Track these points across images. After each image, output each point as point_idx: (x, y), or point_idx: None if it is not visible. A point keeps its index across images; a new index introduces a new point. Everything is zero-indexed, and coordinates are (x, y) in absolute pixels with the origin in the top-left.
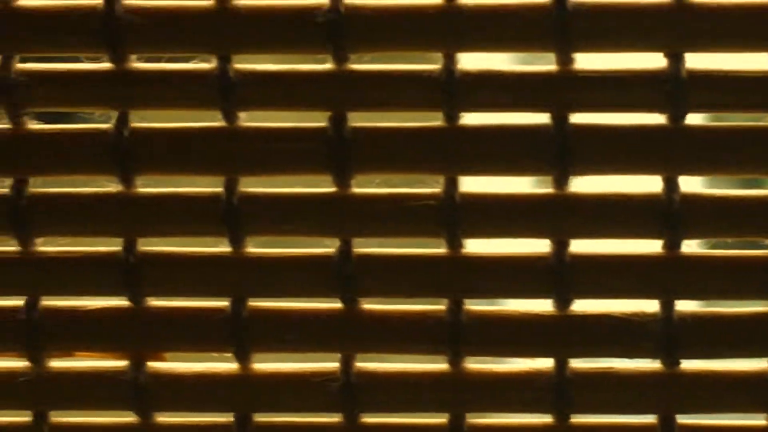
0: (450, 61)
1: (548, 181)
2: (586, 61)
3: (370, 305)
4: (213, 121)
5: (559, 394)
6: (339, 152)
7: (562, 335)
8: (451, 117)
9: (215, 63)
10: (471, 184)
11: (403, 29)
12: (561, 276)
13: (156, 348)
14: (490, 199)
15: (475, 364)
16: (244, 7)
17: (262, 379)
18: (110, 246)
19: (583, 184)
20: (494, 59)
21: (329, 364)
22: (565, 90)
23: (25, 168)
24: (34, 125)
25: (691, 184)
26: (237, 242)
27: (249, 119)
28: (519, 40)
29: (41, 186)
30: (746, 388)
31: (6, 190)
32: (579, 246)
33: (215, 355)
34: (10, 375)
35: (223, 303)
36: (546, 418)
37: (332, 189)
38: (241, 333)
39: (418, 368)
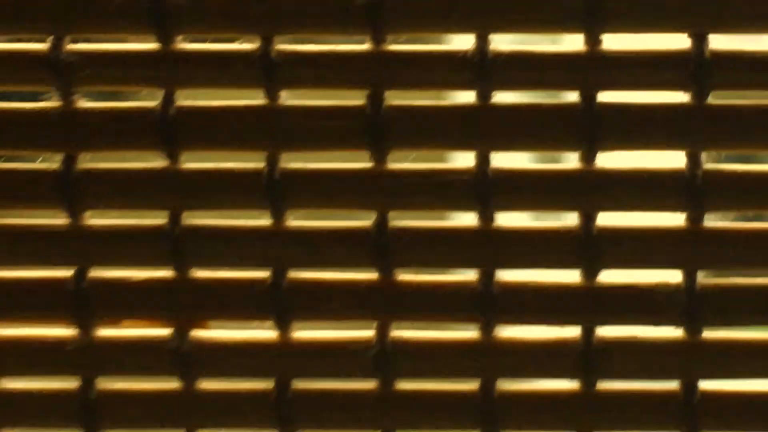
0: (483, 41)
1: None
2: (613, 41)
3: (405, 276)
4: (256, 99)
5: (585, 361)
6: (376, 129)
7: (589, 305)
8: (484, 96)
9: (258, 44)
10: (502, 160)
11: (437, 12)
12: (588, 248)
13: (200, 317)
14: (521, 174)
15: (505, 332)
16: None
17: (301, 346)
18: (156, 219)
19: (610, 160)
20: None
21: (365, 332)
22: (593, 70)
23: (75, 144)
24: (84, 103)
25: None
26: (278, 215)
27: (290, 97)
28: (549, 22)
29: (90, 161)
30: (765, 355)
31: (57, 166)
32: (606, 219)
33: (256, 323)
34: (60, 343)
35: (264, 274)
36: (573, 384)
37: (369, 164)
38: (281, 302)
39: (451, 336)
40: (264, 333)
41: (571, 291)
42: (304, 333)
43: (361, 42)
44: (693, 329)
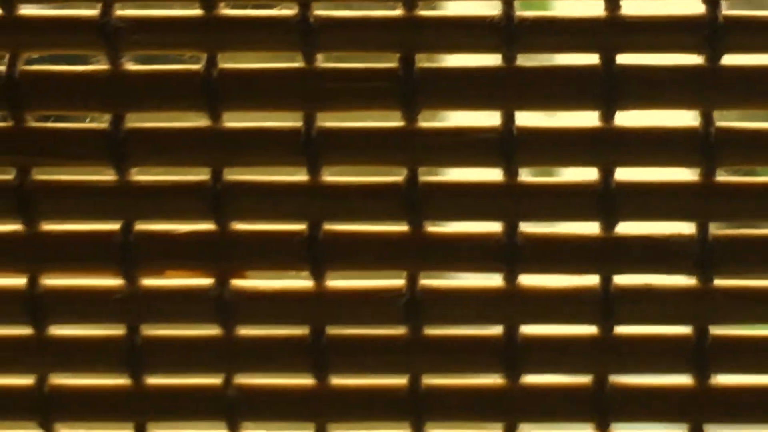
0: (509, 7)
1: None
2: (631, 7)
3: (434, 228)
4: (293, 62)
5: (604, 307)
6: (407, 90)
7: (607, 255)
8: (509, 59)
9: (296, 9)
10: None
11: None
12: (607, 201)
13: (239, 267)
14: (544, 132)
15: (528, 281)
16: None
17: (335, 295)
18: (199, 175)
19: (628, 119)
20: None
21: (396, 281)
22: (612, 33)
23: (122, 105)
24: (131, 66)
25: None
26: (314, 171)
27: (326, 60)
28: None
29: (136, 121)
30: None
31: (105, 125)
32: (623, 174)
33: (293, 273)
34: (107, 292)
35: (300, 226)
36: (591, 329)
37: (400, 123)
38: (316, 253)
39: (477, 285)
40: (300, 282)
41: (590, 242)
42: (338, 282)
43: (393, 8)
44: (705, 277)
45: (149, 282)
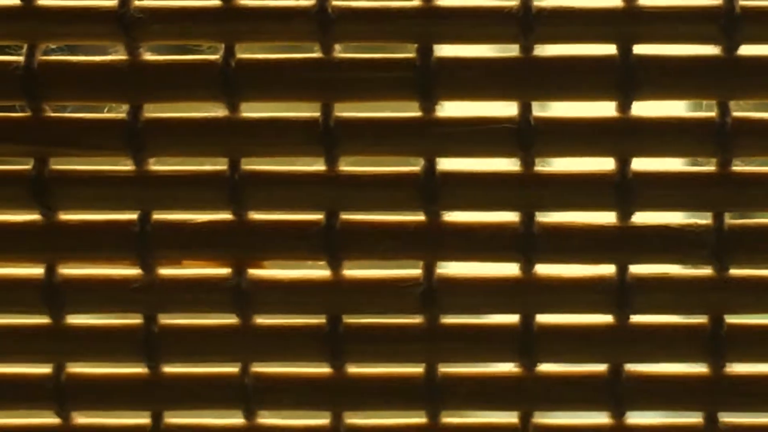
0: None
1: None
2: None
3: (451, 217)
4: (311, 53)
5: (620, 296)
6: (425, 81)
7: (624, 244)
8: (527, 49)
9: (314, 0)
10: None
11: None
12: (624, 191)
13: (256, 257)
14: (561, 122)
15: (544, 270)
16: None
17: (352, 284)
18: (216, 165)
19: (644, 109)
20: None
21: (413, 271)
22: (629, 24)
23: (140, 95)
24: (149, 57)
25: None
26: (332, 161)
27: (344, 51)
28: None
29: (154, 112)
30: None
31: (123, 115)
32: (640, 164)
33: (310, 263)
34: (124, 282)
35: (318, 216)
36: (607, 319)
37: (418, 113)
38: (333, 243)
39: (493, 274)
40: (317, 272)
41: (606, 231)
42: (355, 272)
43: None
44: (721, 267)
45: (166, 271)
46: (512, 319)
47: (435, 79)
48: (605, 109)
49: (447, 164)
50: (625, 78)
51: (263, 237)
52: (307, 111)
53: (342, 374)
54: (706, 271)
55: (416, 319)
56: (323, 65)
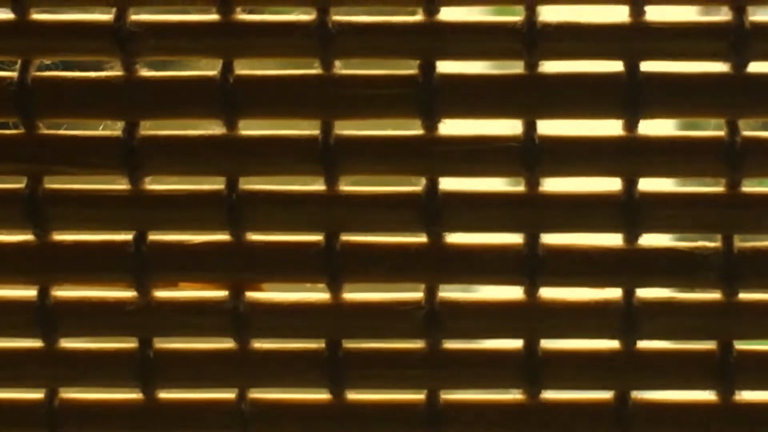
0: (532, 13)
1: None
2: (656, 13)
3: (453, 239)
4: (311, 69)
5: (626, 321)
6: (427, 97)
7: (630, 267)
8: (532, 65)
9: (315, 14)
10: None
11: None
12: (631, 212)
13: (255, 279)
14: (567, 141)
15: (549, 294)
16: None
17: (352, 307)
18: (214, 185)
19: (651, 127)
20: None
21: (414, 293)
22: (636, 40)
23: (137, 112)
24: (146, 73)
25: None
26: (332, 181)
27: (344, 67)
28: None
29: (150, 129)
30: None
31: (119, 133)
32: (647, 184)
33: (309, 285)
34: (119, 304)
35: (317, 237)
36: (614, 344)
37: (420, 132)
38: (333, 265)
39: (497, 297)
40: (316, 295)
41: (613, 254)
42: (355, 295)
43: (413, 14)
44: (730, 291)
45: (162, 294)
46: (516, 344)
47: (437, 97)
48: (612, 127)
49: (449, 184)
50: (632, 95)
51: (261, 258)
52: (306, 129)
53: (341, 400)
54: (714, 295)
55: (418, 344)
56: (323, 82)
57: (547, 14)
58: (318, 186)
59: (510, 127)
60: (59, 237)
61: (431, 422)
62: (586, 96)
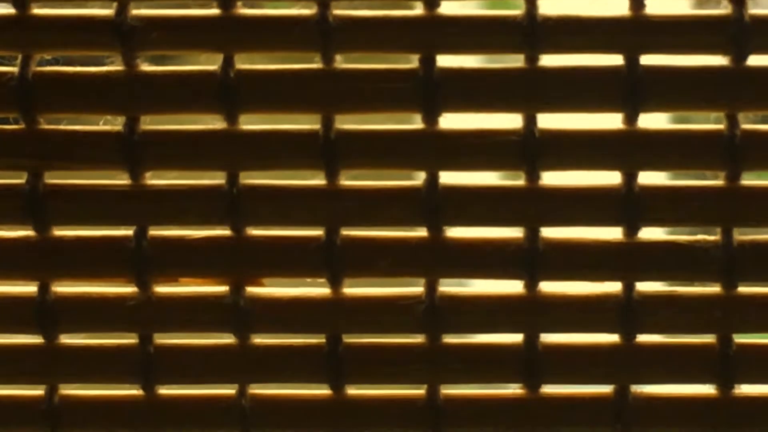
0: (532, 6)
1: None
2: (655, 7)
3: (453, 233)
4: (312, 63)
5: (626, 315)
6: (427, 92)
7: (630, 260)
8: (532, 59)
9: (315, 9)
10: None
11: None
12: (630, 205)
13: (255, 274)
14: (567, 134)
15: (549, 288)
16: None
17: (353, 302)
18: (215, 179)
19: (651, 121)
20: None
21: (415, 288)
22: (636, 33)
23: (137, 107)
24: (147, 67)
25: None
26: (332, 175)
27: (345, 61)
28: None
29: (151, 124)
30: None
31: (119, 128)
32: (647, 178)
33: (309, 280)
34: (119, 300)
35: (318, 232)
36: (614, 338)
37: (421, 126)
38: (334, 259)
39: (497, 292)
40: (317, 290)
41: (612, 248)
42: (356, 289)
43: (414, 7)
44: (730, 284)
45: (163, 289)
46: (516, 338)
47: (438, 91)
48: (611, 121)
49: (450, 178)
50: (632, 89)
51: (262, 253)
52: (307, 123)
53: (342, 396)
54: (714, 288)
55: (418, 339)
56: (324, 76)
57: (547, 8)
58: (318, 180)
59: (510, 120)
60: (59, 232)
61: (431, 417)
62: (586, 90)
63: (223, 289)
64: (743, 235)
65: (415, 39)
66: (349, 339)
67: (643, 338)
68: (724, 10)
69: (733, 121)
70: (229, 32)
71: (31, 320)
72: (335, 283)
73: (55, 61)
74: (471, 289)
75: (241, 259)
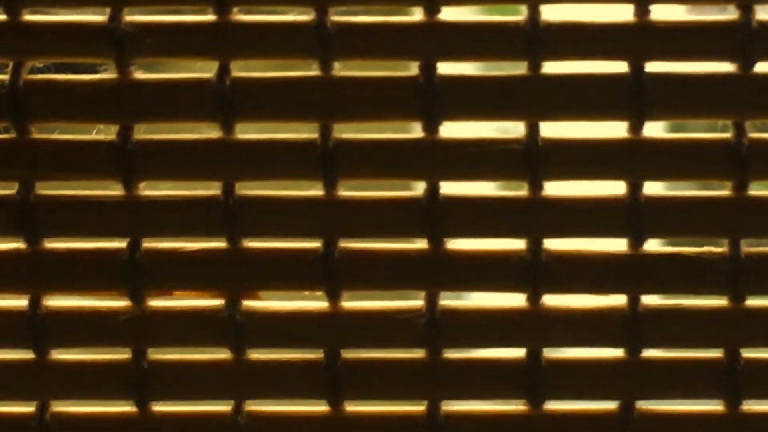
0: (534, 12)
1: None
2: (661, 12)
3: (454, 245)
4: (309, 70)
5: (631, 329)
6: (428, 99)
7: (635, 273)
8: (534, 66)
9: (313, 15)
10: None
11: None
12: (635, 216)
13: (251, 287)
14: (570, 143)
15: (552, 301)
16: None
17: (352, 316)
18: (210, 189)
19: (656, 130)
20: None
21: (415, 301)
22: (641, 39)
23: (131, 116)
24: (141, 75)
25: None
26: (330, 185)
27: (343, 69)
28: None
29: (145, 133)
30: None
31: (112, 137)
32: (652, 188)
33: (307, 293)
34: (112, 314)
35: (315, 243)
36: (618, 352)
37: (421, 135)
38: (332, 272)
39: (499, 305)
40: (315, 303)
41: (617, 260)
42: (354, 303)
43: (414, 13)
44: (737, 297)
45: (157, 303)
46: (519, 353)
47: (438, 99)
48: (616, 129)
49: (451, 188)
50: (637, 97)
51: (258, 266)
52: (305, 132)
53: (340, 412)
54: (721, 301)
55: (418, 353)
56: (322, 84)
57: (550, 14)
58: (316, 191)
59: (512, 129)
60: (51, 244)
61: None
62: (590, 97)
63: (218, 302)
64: (751, 247)
65: (415, 46)
66: (348, 354)
67: (648, 353)
68: (730, 15)
69: (740, 130)
70: (225, 39)
71: (21, 334)
72: (333, 297)
73: (47, 69)
74: (472, 303)
75: (237, 271)
